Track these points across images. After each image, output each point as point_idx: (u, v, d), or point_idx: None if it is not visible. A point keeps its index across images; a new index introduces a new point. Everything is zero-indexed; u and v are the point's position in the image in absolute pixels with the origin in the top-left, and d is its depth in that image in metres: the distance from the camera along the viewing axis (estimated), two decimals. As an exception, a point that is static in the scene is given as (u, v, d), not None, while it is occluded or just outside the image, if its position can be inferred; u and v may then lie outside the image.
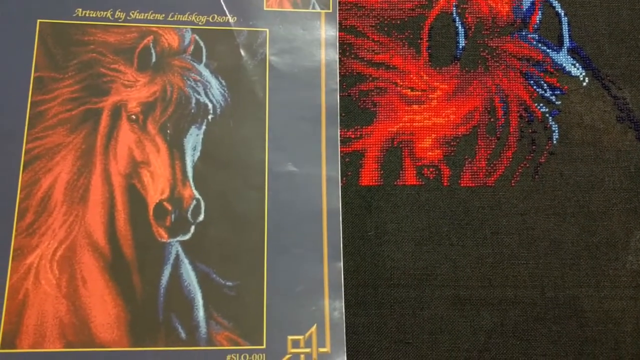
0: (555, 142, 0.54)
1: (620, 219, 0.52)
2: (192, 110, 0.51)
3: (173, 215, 0.49)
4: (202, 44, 0.53)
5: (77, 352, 0.46)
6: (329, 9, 0.55)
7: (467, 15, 0.56)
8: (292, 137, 0.52)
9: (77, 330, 0.46)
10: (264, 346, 0.47)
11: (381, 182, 0.53)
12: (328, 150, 0.52)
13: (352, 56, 0.55)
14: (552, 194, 0.53)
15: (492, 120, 0.54)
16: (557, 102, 0.55)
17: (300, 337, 0.48)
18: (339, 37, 0.55)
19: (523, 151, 0.54)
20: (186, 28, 0.53)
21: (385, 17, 0.56)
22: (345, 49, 0.55)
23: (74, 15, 0.52)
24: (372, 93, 0.55)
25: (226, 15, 0.54)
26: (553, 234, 0.52)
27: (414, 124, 0.54)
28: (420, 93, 0.55)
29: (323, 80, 0.53)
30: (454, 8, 0.57)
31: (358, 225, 0.52)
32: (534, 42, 0.56)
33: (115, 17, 0.53)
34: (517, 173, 0.53)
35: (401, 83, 0.55)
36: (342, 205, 0.51)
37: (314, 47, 0.54)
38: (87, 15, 0.53)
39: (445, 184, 0.53)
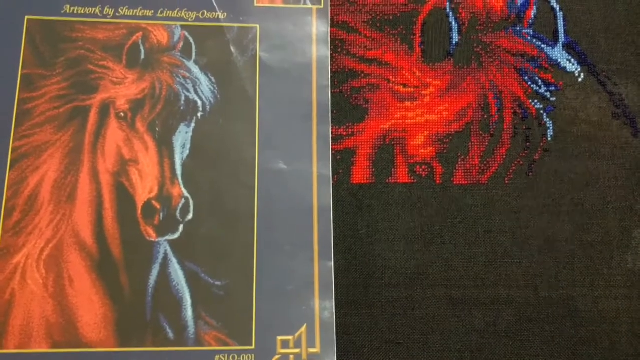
0: (549, 138, 0.53)
1: (615, 216, 0.52)
2: (182, 108, 0.51)
3: (161, 214, 0.48)
4: (191, 40, 0.52)
5: (64, 352, 0.45)
6: (320, 4, 0.54)
7: (460, 11, 0.56)
8: (282, 134, 0.51)
9: (64, 331, 0.46)
10: (253, 346, 0.47)
11: (373, 180, 0.52)
12: (319, 148, 0.51)
13: (344, 52, 0.54)
14: (546, 192, 0.52)
15: (485, 117, 0.54)
16: (552, 99, 0.54)
17: (290, 337, 0.47)
18: (331, 33, 0.54)
19: (517, 148, 0.53)
20: (176, 24, 0.52)
21: (378, 13, 0.55)
22: (337, 45, 0.55)
23: (62, 11, 0.52)
24: (364, 90, 0.54)
25: (216, 11, 0.53)
26: (547, 232, 0.51)
27: (407, 120, 0.53)
28: (412, 89, 0.54)
29: (314, 76, 0.52)
30: (448, 3, 0.56)
31: (349, 224, 0.51)
32: (529, 38, 0.55)
33: (104, 13, 0.52)
34: (511, 170, 0.52)
35: (393, 79, 0.54)
36: (333, 204, 0.51)
37: (305, 44, 0.53)
38: (75, 11, 0.52)
39: (437, 181, 0.52)
